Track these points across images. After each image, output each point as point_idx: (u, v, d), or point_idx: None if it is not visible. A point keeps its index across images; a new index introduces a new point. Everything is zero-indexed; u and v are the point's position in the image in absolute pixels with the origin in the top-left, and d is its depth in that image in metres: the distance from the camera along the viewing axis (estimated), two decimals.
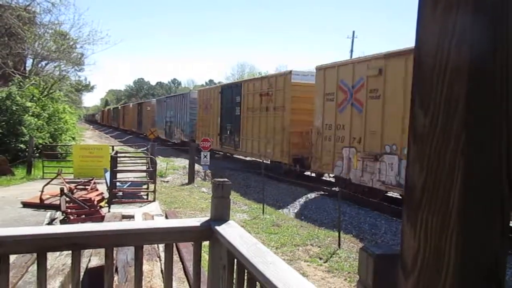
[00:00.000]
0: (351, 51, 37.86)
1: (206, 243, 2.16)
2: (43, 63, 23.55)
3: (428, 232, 0.62)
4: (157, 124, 31.66)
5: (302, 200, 11.41)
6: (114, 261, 3.27)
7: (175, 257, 4.55)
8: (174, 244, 2.54)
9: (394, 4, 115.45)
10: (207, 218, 2.10)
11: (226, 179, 2.15)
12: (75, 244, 1.86)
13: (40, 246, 1.82)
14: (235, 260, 1.76)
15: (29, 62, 23.13)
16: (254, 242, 1.75)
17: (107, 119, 68.07)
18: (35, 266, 3.93)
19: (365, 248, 0.85)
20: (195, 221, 2.08)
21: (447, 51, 0.59)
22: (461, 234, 0.59)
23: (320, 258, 6.22)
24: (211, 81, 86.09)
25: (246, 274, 1.67)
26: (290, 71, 14.26)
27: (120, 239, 2.00)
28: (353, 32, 38.80)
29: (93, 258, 4.12)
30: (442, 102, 0.60)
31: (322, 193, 12.11)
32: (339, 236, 6.86)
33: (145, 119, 37.34)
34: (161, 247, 4.46)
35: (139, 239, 1.99)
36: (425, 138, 0.62)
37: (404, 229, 0.66)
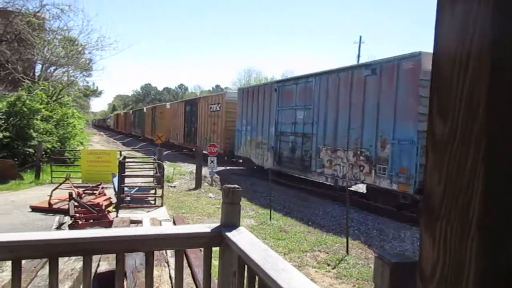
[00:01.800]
0: (358, 56, 37.71)
1: (214, 249, 2.15)
2: (52, 68, 23.88)
3: (447, 241, 0.61)
4: (243, 136, 17.67)
5: (309, 205, 11.36)
6: None
7: (183, 263, 4.54)
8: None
9: (402, 8, 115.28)
10: (217, 224, 2.10)
11: (236, 185, 2.14)
12: (87, 249, 1.87)
13: (52, 251, 1.83)
14: (246, 266, 1.75)
15: (38, 67, 23.50)
16: (265, 248, 1.75)
17: (124, 125, 54.45)
18: (44, 271, 3.96)
19: (381, 256, 0.85)
20: (205, 227, 2.08)
21: (467, 50, 0.57)
22: (481, 243, 0.58)
23: (328, 264, 6.18)
24: (217, 86, 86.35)
25: (257, 280, 1.67)
26: None
27: (131, 245, 2.00)
28: (360, 37, 38.47)
29: (102, 263, 4.13)
30: (462, 107, 0.58)
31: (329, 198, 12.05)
32: (347, 242, 6.82)
33: (203, 126, 22.21)
34: (169, 252, 4.46)
35: (150, 245, 1.99)
36: (444, 146, 0.61)
37: (422, 238, 0.66)
